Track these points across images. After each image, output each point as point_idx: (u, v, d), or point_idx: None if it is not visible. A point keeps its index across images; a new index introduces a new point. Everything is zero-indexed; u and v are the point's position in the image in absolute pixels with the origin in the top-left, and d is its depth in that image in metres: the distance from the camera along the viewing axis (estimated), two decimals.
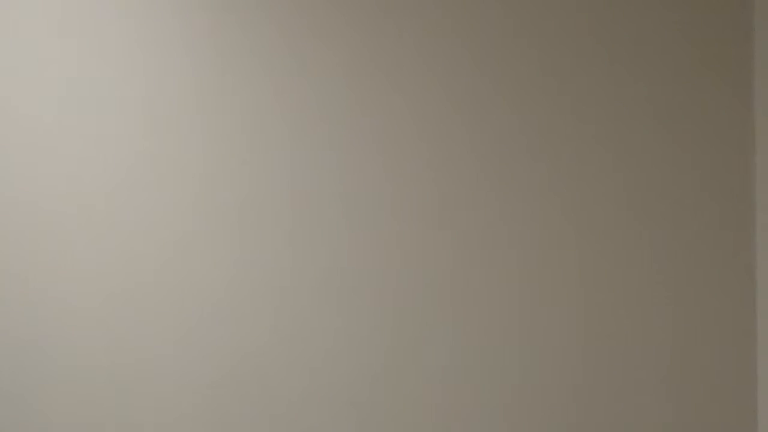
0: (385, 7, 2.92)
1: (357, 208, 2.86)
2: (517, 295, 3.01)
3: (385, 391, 2.87)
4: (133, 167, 2.68)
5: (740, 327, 3.27)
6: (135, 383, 2.66)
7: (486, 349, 2.97)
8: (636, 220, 3.16)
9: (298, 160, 2.82)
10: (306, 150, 2.82)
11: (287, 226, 2.80)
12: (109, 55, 2.67)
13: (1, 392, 2.55)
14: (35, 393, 2.57)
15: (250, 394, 2.75)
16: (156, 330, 2.68)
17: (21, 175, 2.60)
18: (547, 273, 3.05)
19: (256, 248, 2.77)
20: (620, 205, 3.14)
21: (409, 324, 2.90)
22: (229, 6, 2.78)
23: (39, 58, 2.62)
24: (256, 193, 2.78)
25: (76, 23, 2.65)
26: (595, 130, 3.12)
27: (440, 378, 2.93)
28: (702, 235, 3.23)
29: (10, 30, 2.60)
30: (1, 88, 2.59)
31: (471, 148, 2.98)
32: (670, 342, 3.19)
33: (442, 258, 2.94)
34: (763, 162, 3.28)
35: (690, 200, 3.22)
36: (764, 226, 3.27)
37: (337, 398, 2.83)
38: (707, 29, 3.26)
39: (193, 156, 2.73)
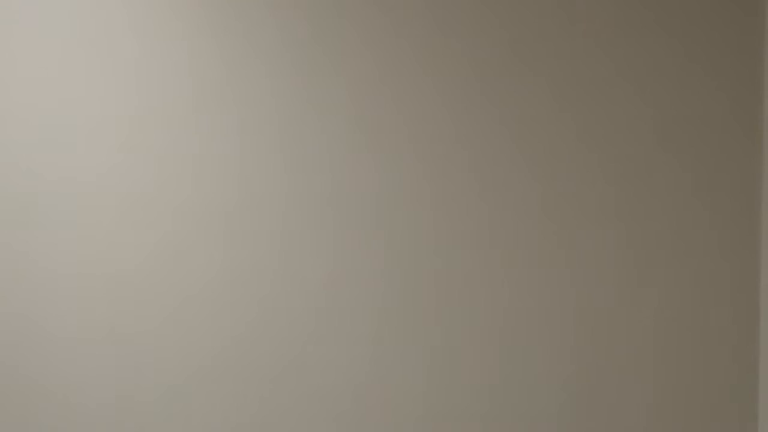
0: (386, 9, 2.93)
1: (346, 209, 2.87)
2: (509, 296, 3.02)
3: (371, 391, 2.88)
4: (127, 161, 2.69)
5: (742, 327, 3.25)
6: (126, 371, 2.69)
7: (474, 350, 2.98)
8: (635, 222, 3.15)
9: (291, 159, 2.82)
10: (299, 149, 2.82)
11: (279, 225, 2.80)
12: (104, 50, 2.68)
13: None
14: (30, 383, 2.60)
15: (237, 392, 2.77)
16: (146, 323, 2.69)
17: (17, 170, 2.62)
18: (539, 273, 3.05)
19: (246, 245, 2.78)
20: (620, 209, 3.13)
21: (395, 324, 2.91)
22: (230, 7, 2.80)
23: (37, 55, 2.63)
24: (248, 191, 2.79)
25: (77, 22, 2.67)
26: (597, 133, 3.12)
27: (426, 379, 2.94)
28: (706, 238, 3.21)
29: (9, 28, 2.63)
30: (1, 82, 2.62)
31: (463, 149, 2.97)
32: (674, 345, 3.17)
33: (430, 258, 2.94)
34: None
35: (694, 205, 3.20)
36: None
37: (321, 396, 2.85)
38: (717, 36, 3.24)
39: (189, 153, 2.74)
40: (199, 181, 2.74)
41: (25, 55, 2.63)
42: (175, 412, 2.70)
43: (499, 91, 3.00)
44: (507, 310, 3.00)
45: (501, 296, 2.99)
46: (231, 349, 2.75)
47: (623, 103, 3.14)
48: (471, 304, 2.96)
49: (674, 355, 3.17)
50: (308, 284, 2.82)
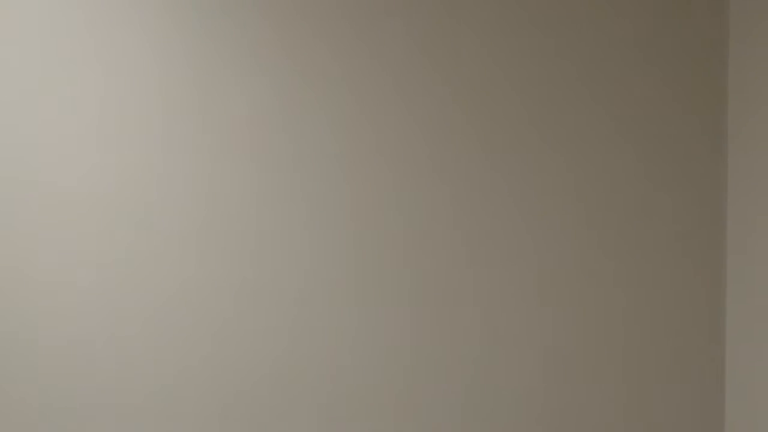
0: (387, 8, 2.93)
1: (322, 213, 2.85)
2: (485, 301, 3.03)
3: (357, 392, 2.87)
4: (126, 165, 2.63)
5: (709, 327, 3.28)
6: (117, 375, 2.67)
7: (455, 348, 2.99)
8: (606, 224, 3.17)
9: (263, 163, 2.79)
10: (272, 153, 2.80)
11: (252, 228, 2.77)
12: (98, 55, 2.63)
13: None
14: (20, 384, 2.57)
15: (243, 395, 2.75)
16: (137, 325, 2.68)
17: (11, 176, 2.58)
18: (514, 275, 3.06)
19: (253, 244, 2.76)
20: (591, 211, 3.15)
21: (376, 328, 2.90)
22: (224, 8, 2.78)
23: (32, 59, 2.60)
24: (253, 192, 2.76)
25: (71, 24, 2.64)
26: (569, 138, 3.14)
27: (414, 378, 2.94)
28: (674, 240, 3.25)
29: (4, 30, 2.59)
30: None
31: (434, 149, 2.97)
32: (641, 343, 3.20)
33: (410, 263, 2.94)
34: (734, 170, 3.30)
35: (663, 206, 3.23)
36: (734, 232, 3.29)
37: (307, 396, 2.83)
38: (683, 42, 3.28)
39: (161, 160, 2.70)
40: (171, 189, 2.70)
41: (24, 63, 2.59)
42: (163, 414, 2.69)
43: (469, 95, 3.01)
44: (485, 315, 3.00)
45: (479, 300, 3.00)
46: (215, 353, 2.72)
47: (592, 110, 3.16)
48: (451, 306, 2.97)
49: (643, 353, 3.20)
50: (285, 286, 2.79)
